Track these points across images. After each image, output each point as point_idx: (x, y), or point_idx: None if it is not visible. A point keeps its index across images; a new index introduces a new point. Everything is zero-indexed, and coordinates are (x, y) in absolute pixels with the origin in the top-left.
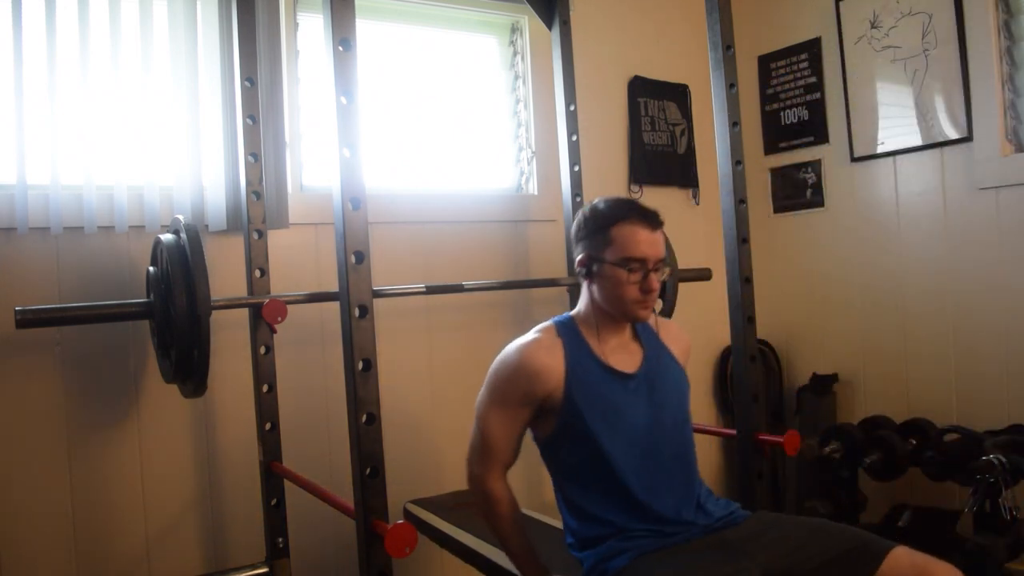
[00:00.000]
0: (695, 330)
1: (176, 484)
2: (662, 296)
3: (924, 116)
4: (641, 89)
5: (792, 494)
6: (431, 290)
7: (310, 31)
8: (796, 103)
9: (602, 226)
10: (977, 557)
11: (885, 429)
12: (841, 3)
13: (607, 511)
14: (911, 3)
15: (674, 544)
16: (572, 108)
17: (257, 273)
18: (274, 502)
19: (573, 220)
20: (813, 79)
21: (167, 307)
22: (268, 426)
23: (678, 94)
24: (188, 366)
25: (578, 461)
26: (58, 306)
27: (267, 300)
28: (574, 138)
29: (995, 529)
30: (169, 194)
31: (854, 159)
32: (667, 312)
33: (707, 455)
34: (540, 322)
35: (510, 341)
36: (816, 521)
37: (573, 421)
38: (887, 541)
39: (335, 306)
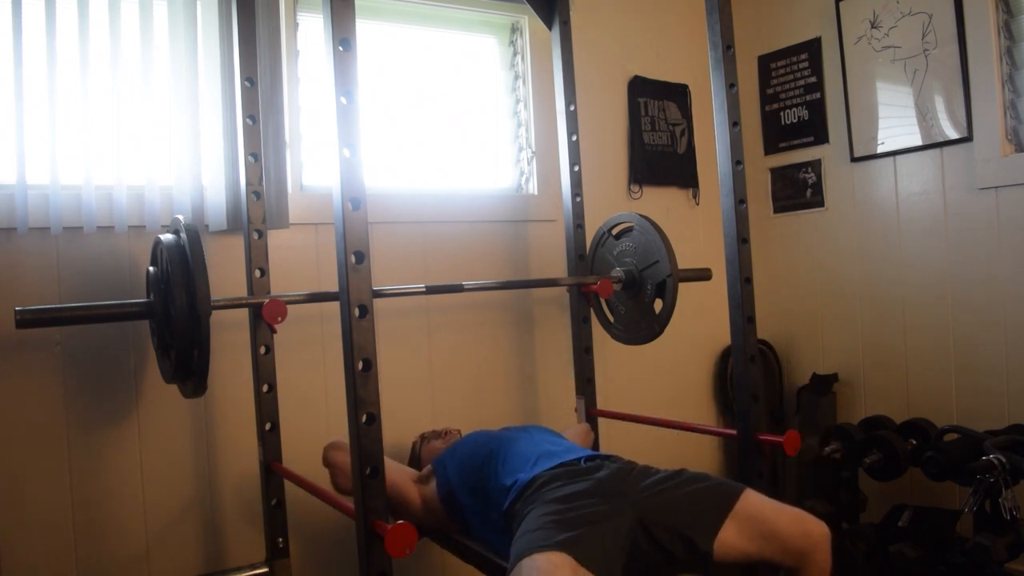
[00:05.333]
0: (695, 330)
1: (176, 484)
2: (661, 296)
3: (924, 116)
4: (641, 89)
5: (792, 494)
6: (431, 290)
7: (310, 31)
8: (796, 103)
9: None
10: (977, 557)
11: (885, 429)
12: (841, 3)
13: None
14: (911, 3)
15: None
16: (572, 108)
17: (257, 273)
18: (274, 502)
19: (573, 220)
20: (813, 79)
21: (167, 307)
22: (268, 426)
23: (678, 94)
24: (188, 366)
25: None
26: (58, 306)
27: (267, 300)
28: (574, 138)
29: (995, 529)
30: (169, 194)
31: (854, 159)
32: (666, 313)
33: (707, 455)
34: (540, 322)
35: (509, 340)
36: (676, 469)
37: None
38: (739, 484)
39: (335, 306)
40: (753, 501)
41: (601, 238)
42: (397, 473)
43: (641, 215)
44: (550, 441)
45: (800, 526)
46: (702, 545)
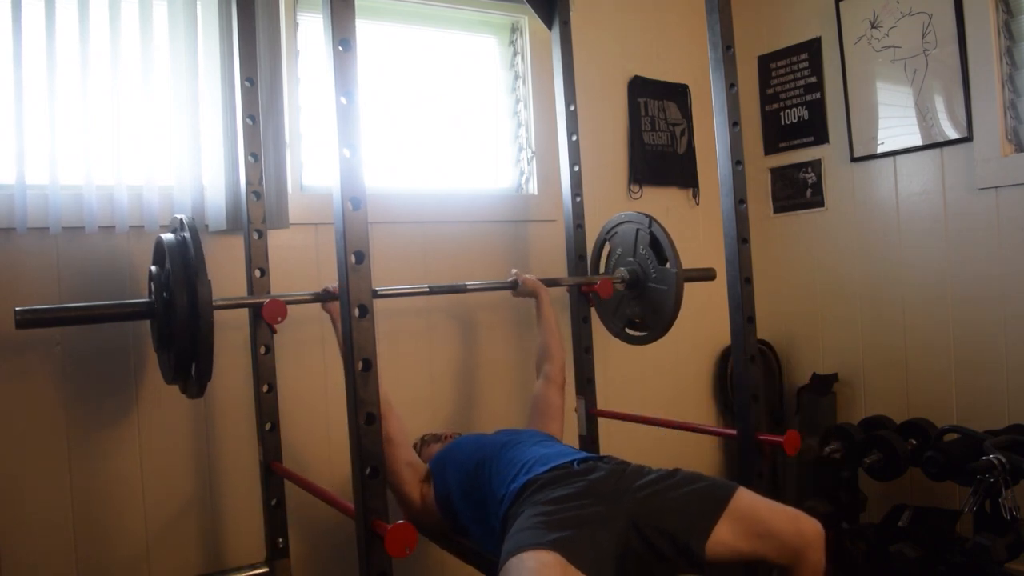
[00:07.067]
0: (695, 330)
1: (176, 484)
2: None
3: (924, 116)
4: (641, 89)
5: (792, 494)
6: (434, 290)
7: (310, 31)
8: (796, 103)
9: None
10: (977, 557)
11: (885, 429)
12: (841, 3)
13: None
14: (911, 3)
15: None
16: (572, 108)
17: (257, 273)
18: (274, 502)
19: (573, 220)
20: (813, 79)
21: (168, 307)
22: (268, 426)
23: (678, 94)
24: (189, 366)
25: None
26: (58, 306)
27: (267, 300)
28: (574, 138)
29: (995, 529)
30: (169, 194)
31: (854, 159)
32: (670, 314)
33: (707, 455)
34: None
35: (509, 341)
36: (670, 469)
37: None
38: (732, 483)
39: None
40: (746, 500)
41: (609, 231)
42: (407, 468)
43: (644, 214)
44: (544, 445)
45: (794, 524)
46: (695, 548)
